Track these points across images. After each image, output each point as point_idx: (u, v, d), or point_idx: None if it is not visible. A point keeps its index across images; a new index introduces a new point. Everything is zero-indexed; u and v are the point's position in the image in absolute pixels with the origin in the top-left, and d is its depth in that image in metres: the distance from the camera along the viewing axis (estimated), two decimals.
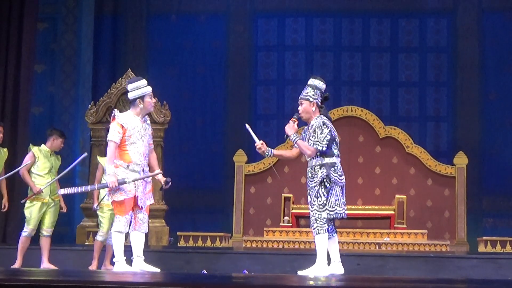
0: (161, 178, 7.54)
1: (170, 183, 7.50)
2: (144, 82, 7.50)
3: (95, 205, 9.11)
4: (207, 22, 13.86)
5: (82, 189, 8.16)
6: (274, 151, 7.59)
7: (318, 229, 7.22)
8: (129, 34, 13.85)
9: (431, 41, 13.57)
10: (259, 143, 7.48)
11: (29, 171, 9.09)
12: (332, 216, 7.26)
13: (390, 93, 13.56)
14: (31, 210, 9.03)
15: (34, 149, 9.14)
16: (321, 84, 7.45)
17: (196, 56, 13.77)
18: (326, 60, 13.65)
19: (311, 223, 7.28)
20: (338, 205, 7.26)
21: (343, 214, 7.32)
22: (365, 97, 13.48)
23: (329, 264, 7.32)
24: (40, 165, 9.08)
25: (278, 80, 13.72)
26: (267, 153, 7.50)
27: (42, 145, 9.22)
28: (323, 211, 7.22)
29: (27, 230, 9.06)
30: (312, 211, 7.28)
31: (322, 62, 13.64)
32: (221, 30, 13.85)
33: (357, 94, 13.54)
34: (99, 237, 9.21)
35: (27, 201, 9.02)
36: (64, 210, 9.30)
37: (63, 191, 8.15)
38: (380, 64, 13.62)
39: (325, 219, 7.22)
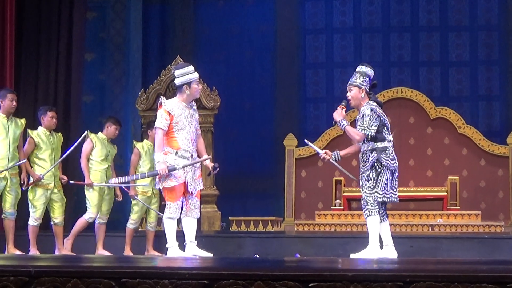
0: (209, 163, 7.56)
1: (218, 169, 7.52)
2: (191, 68, 7.51)
3: (131, 192, 9.25)
4: (254, 6, 13.85)
5: (133, 177, 8.27)
6: (341, 153, 7.55)
7: (369, 211, 7.22)
8: (177, 21, 13.91)
9: (482, 19, 13.36)
10: (322, 153, 7.54)
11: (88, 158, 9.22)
12: (382, 199, 7.22)
13: (440, 73, 13.40)
14: (94, 195, 9.13)
15: (92, 136, 9.27)
16: (370, 71, 7.43)
17: (244, 41, 13.78)
18: (375, 41, 13.54)
19: (362, 205, 7.28)
20: (387, 189, 7.23)
21: (393, 197, 7.29)
22: (415, 77, 13.35)
23: (381, 248, 7.30)
24: (98, 152, 9.20)
25: (327, 63, 13.65)
26: (334, 158, 7.51)
27: (99, 132, 9.36)
28: (373, 193, 7.20)
29: (92, 216, 9.16)
30: (363, 193, 7.28)
31: (371, 43, 13.54)
32: (269, 14, 13.82)
33: (406, 75, 13.42)
34: (130, 225, 9.36)
35: (85, 188, 9.12)
36: (119, 198, 9.42)
37: (113, 180, 8.26)
38: (430, 43, 13.47)
39: (376, 202, 7.21)
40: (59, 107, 11.48)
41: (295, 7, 13.74)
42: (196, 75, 7.50)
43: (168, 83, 11.73)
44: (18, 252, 8.61)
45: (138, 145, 9.42)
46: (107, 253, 9.11)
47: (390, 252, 7.28)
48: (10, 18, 11.01)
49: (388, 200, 7.27)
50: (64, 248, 9.10)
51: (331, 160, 7.54)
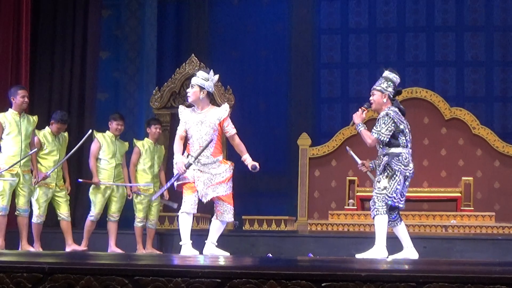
0: (249, 162, 7.63)
1: (257, 167, 7.57)
2: (206, 75, 7.56)
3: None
4: (269, 5, 13.84)
5: (168, 185, 8.33)
6: (378, 162, 7.56)
7: (376, 210, 7.23)
8: (192, 19, 13.91)
9: (497, 19, 13.30)
10: (360, 163, 7.65)
11: (95, 158, 9.32)
12: (389, 202, 7.21)
13: (456, 73, 13.35)
14: (96, 194, 9.25)
15: (98, 135, 9.34)
16: (395, 78, 7.45)
17: (259, 40, 13.77)
18: (390, 41, 13.49)
19: (370, 205, 7.30)
20: (397, 193, 7.22)
21: (400, 204, 7.28)
22: (430, 77, 13.30)
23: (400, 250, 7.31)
24: (105, 150, 9.28)
25: (341, 63, 13.62)
26: (372, 168, 7.60)
27: (107, 131, 9.42)
28: (382, 194, 7.20)
29: (93, 214, 9.28)
30: (373, 193, 7.32)
31: (386, 43, 13.50)
32: (284, 14, 13.81)
33: (422, 75, 13.37)
34: (137, 224, 9.52)
35: (91, 186, 9.26)
36: (130, 197, 9.49)
37: (154, 197, 8.40)
38: (445, 43, 13.41)
39: (383, 202, 7.20)
40: (74, 104, 11.56)
41: (311, 7, 13.71)
42: (213, 82, 7.55)
43: (182, 81, 11.75)
44: (31, 248, 8.65)
45: (139, 143, 9.59)
46: (119, 251, 9.15)
47: (411, 254, 7.28)
48: (26, 17, 11.06)
49: (395, 204, 7.25)
50: (82, 246, 9.20)
51: (368, 172, 7.65)
